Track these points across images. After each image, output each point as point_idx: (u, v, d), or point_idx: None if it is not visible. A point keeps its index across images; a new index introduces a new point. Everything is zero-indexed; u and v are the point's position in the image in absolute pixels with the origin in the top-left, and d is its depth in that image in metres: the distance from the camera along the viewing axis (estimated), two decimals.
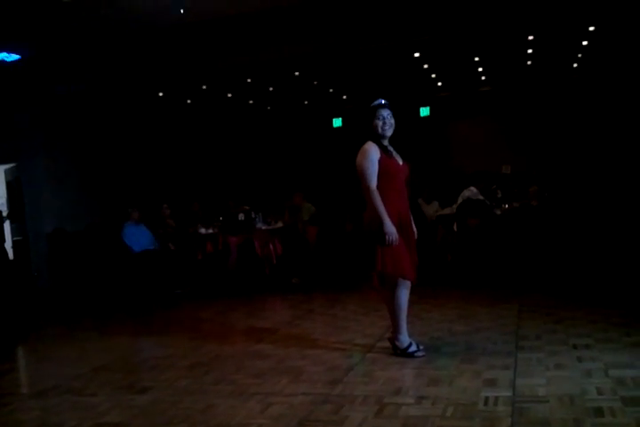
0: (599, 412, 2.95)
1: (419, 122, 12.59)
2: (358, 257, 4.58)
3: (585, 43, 9.44)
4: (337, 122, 13.49)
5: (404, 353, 4.19)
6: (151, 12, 7.03)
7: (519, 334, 4.59)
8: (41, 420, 3.59)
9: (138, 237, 8.39)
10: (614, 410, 2.96)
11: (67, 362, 4.97)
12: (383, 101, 4.26)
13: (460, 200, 8.28)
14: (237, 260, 8.51)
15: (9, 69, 8.48)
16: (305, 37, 8.46)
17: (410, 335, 4.27)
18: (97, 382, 4.21)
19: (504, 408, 3.09)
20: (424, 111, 12.82)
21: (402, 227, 4.18)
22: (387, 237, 4.01)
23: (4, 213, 9.70)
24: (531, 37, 8.95)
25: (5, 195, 10.42)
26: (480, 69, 11.23)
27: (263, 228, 8.73)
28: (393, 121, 4.23)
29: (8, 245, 9.50)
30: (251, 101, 12.88)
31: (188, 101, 12.16)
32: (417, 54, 9.60)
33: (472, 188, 8.29)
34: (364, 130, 4.26)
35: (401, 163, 4.28)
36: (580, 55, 10.42)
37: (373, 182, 4.10)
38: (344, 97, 13.08)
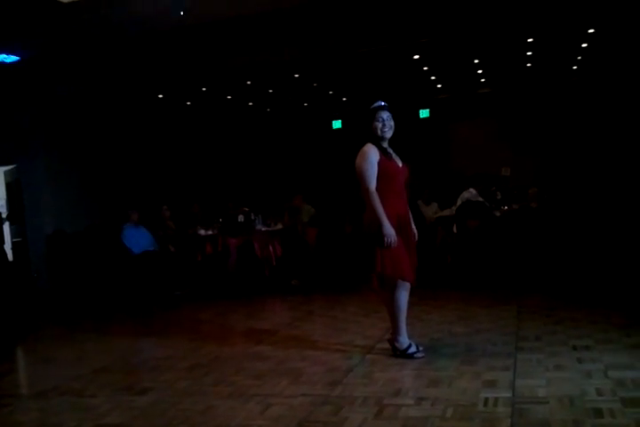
0: (599, 413, 2.95)
1: (418, 124, 12.60)
2: (358, 259, 4.58)
3: (584, 45, 9.45)
4: (336, 124, 13.51)
5: (403, 354, 4.19)
6: (151, 13, 7.03)
7: (519, 336, 4.60)
8: (40, 421, 3.59)
9: (137, 239, 8.39)
10: (614, 411, 2.96)
11: (66, 363, 4.97)
12: (383, 103, 4.27)
13: (459, 202, 8.30)
14: (237, 261, 8.51)
15: (9, 70, 8.48)
16: (304, 39, 8.48)
17: (409, 337, 4.27)
18: (97, 384, 4.21)
19: (504, 409, 3.09)
20: (424, 113, 12.84)
21: (401, 229, 4.18)
22: (385, 239, 4.02)
23: (4, 215, 9.70)
24: (530, 40, 8.97)
25: (5, 196, 10.41)
26: (480, 71, 11.25)
27: (263, 229, 8.73)
28: (392, 123, 4.24)
29: (8, 246, 9.50)
30: (250, 103, 12.90)
31: (188, 103, 12.17)
32: (416, 56, 9.62)
33: (471, 189, 8.30)
34: (363, 132, 4.27)
35: (400, 165, 4.28)
36: (579, 57, 10.44)
37: (372, 184, 4.10)
38: (344, 99, 13.09)
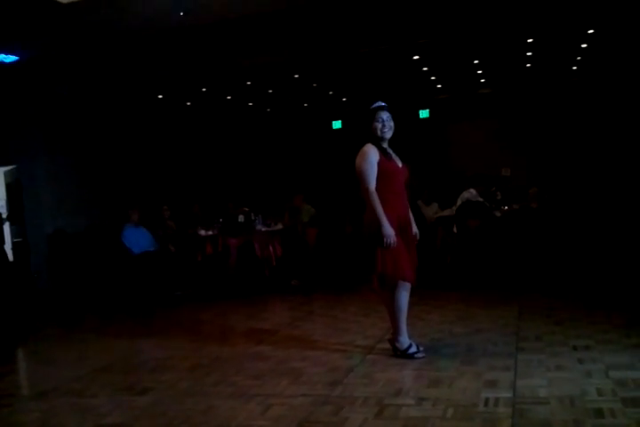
0: (599, 413, 2.96)
1: (418, 124, 12.60)
2: (358, 259, 4.59)
3: (584, 45, 9.45)
4: (336, 124, 13.51)
5: (404, 354, 4.20)
6: (151, 14, 7.03)
7: (519, 336, 4.60)
8: (41, 421, 3.59)
9: (137, 239, 8.39)
10: (614, 411, 2.96)
11: (67, 363, 4.97)
12: (382, 104, 4.28)
13: (459, 202, 8.30)
14: (237, 261, 8.51)
15: (8, 71, 8.48)
16: (304, 40, 8.48)
17: (410, 337, 4.27)
18: (97, 384, 4.21)
19: (504, 409, 3.09)
20: (423, 113, 12.84)
21: (401, 229, 4.19)
22: (384, 239, 4.02)
23: (4, 215, 9.69)
24: (530, 40, 8.97)
25: (5, 197, 10.41)
26: (479, 72, 11.24)
27: (263, 229, 8.73)
28: (392, 123, 4.25)
29: (8, 246, 9.49)
30: (250, 104, 12.90)
31: (188, 104, 12.17)
32: (416, 57, 9.62)
33: (471, 190, 8.31)
34: (363, 132, 4.27)
35: (400, 165, 4.29)
36: (579, 58, 10.44)
37: (372, 184, 4.11)
38: (344, 99, 13.09)
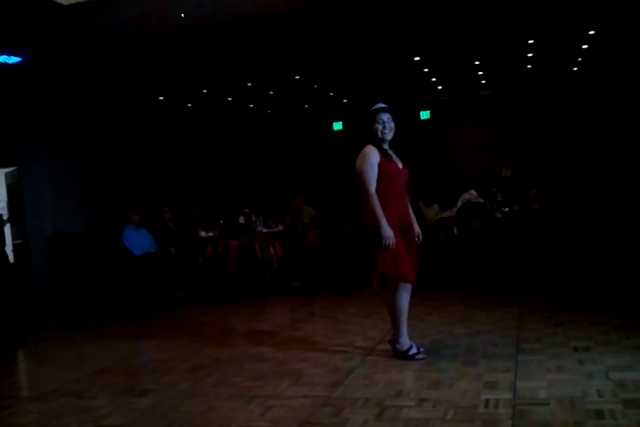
0: (600, 414, 2.95)
1: (419, 125, 12.60)
2: (358, 260, 4.58)
3: (585, 46, 9.46)
4: (337, 125, 13.51)
5: (404, 356, 4.19)
6: (152, 16, 7.04)
7: (520, 337, 4.60)
8: (41, 423, 3.59)
9: (138, 240, 8.39)
10: (615, 413, 2.96)
11: (67, 365, 4.97)
12: (383, 105, 4.28)
13: (459, 203, 8.30)
14: (238, 263, 8.51)
15: (10, 72, 8.50)
16: (305, 41, 8.48)
17: (410, 338, 4.27)
18: (97, 385, 4.21)
19: (505, 411, 3.09)
20: (424, 115, 12.84)
21: (402, 230, 4.19)
22: (383, 240, 4.02)
23: (5, 217, 9.71)
24: (531, 41, 8.98)
25: (6, 198, 10.42)
26: (480, 73, 11.25)
27: (264, 231, 8.73)
28: (393, 125, 4.25)
29: (8, 248, 9.50)
30: (251, 105, 12.91)
31: (189, 105, 12.18)
32: (417, 58, 9.63)
33: (472, 191, 8.30)
34: (364, 133, 4.27)
35: (401, 166, 4.29)
36: (580, 59, 10.44)
37: (372, 186, 4.11)
38: (344, 101, 13.11)
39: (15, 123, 9.35)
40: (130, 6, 6.79)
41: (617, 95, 11.34)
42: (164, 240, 8.77)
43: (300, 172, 13.65)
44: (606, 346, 4.17)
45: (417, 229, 4.39)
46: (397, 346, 4.24)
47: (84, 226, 9.35)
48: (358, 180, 4.16)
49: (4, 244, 9.20)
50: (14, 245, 9.85)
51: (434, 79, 11.50)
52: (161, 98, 11.05)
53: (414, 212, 4.44)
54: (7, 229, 9.70)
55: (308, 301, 7.38)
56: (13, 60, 8.15)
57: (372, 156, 4.15)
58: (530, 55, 9.90)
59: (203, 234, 8.70)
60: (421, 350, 4.22)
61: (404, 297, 4.19)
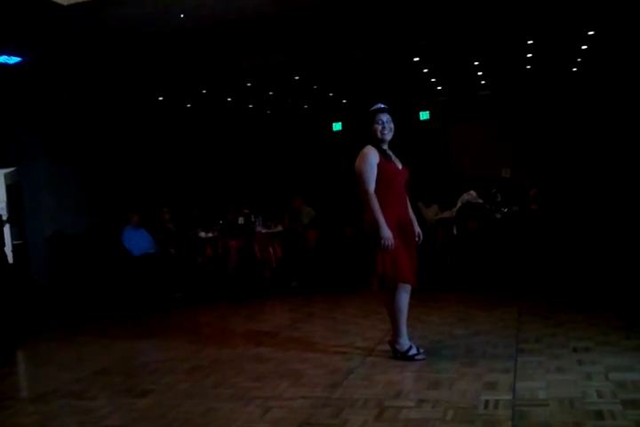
0: (599, 415, 2.95)
1: (418, 126, 12.60)
2: (358, 261, 4.58)
3: (584, 47, 9.46)
4: (337, 126, 13.51)
5: (404, 356, 4.19)
6: (151, 16, 7.04)
7: (519, 338, 4.60)
8: (41, 424, 3.59)
9: (137, 241, 8.40)
10: (614, 413, 2.96)
11: (66, 366, 4.96)
12: (382, 106, 4.28)
13: (459, 204, 8.30)
14: (237, 263, 8.51)
15: (10, 72, 8.49)
16: (305, 42, 8.48)
17: (410, 339, 4.27)
18: (97, 386, 4.21)
19: (504, 412, 3.09)
20: (424, 115, 12.83)
21: (401, 230, 4.19)
22: (382, 241, 4.02)
23: (4, 217, 9.70)
24: (530, 42, 8.98)
25: (5, 199, 10.42)
26: (480, 73, 11.25)
27: (263, 231, 8.73)
28: (392, 125, 4.25)
29: (8, 248, 9.50)
30: (250, 105, 12.90)
31: (188, 106, 12.18)
32: (416, 58, 9.63)
33: (471, 191, 8.31)
34: (363, 134, 4.28)
35: (400, 167, 4.29)
36: (579, 59, 10.44)
37: (371, 186, 4.11)
38: (344, 101, 13.10)
39: (15, 123, 9.34)
40: (130, 6, 6.78)
41: (616, 96, 11.34)
42: (163, 241, 8.77)
43: (300, 172, 13.64)
44: (606, 347, 4.17)
45: (417, 229, 4.39)
46: (397, 347, 4.24)
47: (83, 227, 9.35)
48: (358, 180, 4.16)
49: (4, 244, 9.20)
50: (14, 246, 9.85)
51: (433, 80, 11.50)
52: (160, 98, 11.05)
53: (414, 212, 4.45)
54: (7, 229, 9.69)
55: (307, 301, 7.38)
56: (13, 60, 8.14)
57: (372, 156, 4.15)
58: (529, 56, 9.90)
59: (202, 235, 8.70)
60: (421, 350, 4.22)
61: (404, 298, 4.19)
